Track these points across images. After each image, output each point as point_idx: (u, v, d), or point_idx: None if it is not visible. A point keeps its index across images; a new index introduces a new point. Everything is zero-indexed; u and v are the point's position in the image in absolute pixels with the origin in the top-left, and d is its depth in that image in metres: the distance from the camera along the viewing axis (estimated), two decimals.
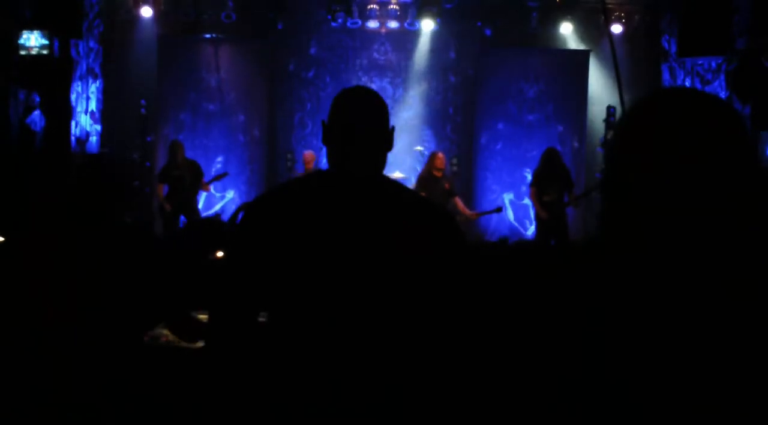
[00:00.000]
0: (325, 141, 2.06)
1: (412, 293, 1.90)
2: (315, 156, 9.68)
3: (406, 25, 10.50)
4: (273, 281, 1.92)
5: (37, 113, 7.80)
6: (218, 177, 9.44)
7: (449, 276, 1.94)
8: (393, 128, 2.07)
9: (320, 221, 1.93)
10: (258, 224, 1.99)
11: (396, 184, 2.08)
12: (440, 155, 8.81)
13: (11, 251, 2.11)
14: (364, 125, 2.02)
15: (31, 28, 6.59)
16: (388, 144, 2.06)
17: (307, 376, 1.88)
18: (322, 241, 1.90)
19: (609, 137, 1.69)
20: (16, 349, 1.88)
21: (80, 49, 9.03)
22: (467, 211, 9.01)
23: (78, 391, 2.37)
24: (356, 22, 10.48)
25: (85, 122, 9.52)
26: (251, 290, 1.96)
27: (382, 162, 2.05)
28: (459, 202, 8.90)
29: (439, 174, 8.68)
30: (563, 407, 1.12)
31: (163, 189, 9.29)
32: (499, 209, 9.41)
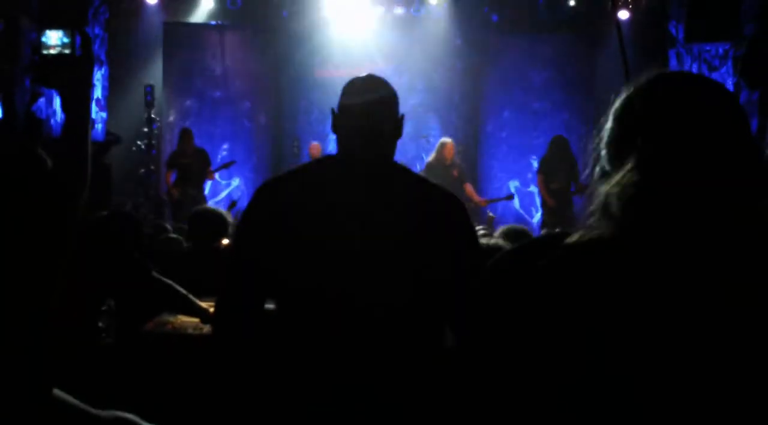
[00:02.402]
0: (335, 129, 2.05)
1: (420, 278, 1.90)
2: (321, 148, 9.67)
3: (411, 11, 10.46)
4: (280, 267, 1.92)
5: (42, 100, 7.80)
6: (225, 165, 9.46)
7: (457, 262, 1.93)
8: (403, 116, 2.07)
9: (328, 206, 1.92)
10: (266, 210, 1.99)
11: (405, 170, 2.07)
12: (449, 143, 8.78)
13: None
14: (374, 113, 2.00)
15: (38, 21, 6.60)
16: (398, 132, 2.05)
17: (314, 363, 1.88)
18: (330, 227, 1.89)
19: (608, 121, 1.67)
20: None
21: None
22: (477, 197, 9.00)
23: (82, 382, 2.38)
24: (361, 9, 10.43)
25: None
26: (259, 275, 1.96)
27: (391, 150, 2.05)
28: (469, 188, 8.88)
29: (447, 162, 8.67)
30: (565, 404, 1.11)
31: (171, 176, 9.31)
32: (511, 197, 9.41)
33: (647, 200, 1.12)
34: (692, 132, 1.13)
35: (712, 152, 1.12)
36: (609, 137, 1.23)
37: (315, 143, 9.74)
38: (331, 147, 10.20)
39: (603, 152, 1.24)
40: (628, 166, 1.15)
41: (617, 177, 1.16)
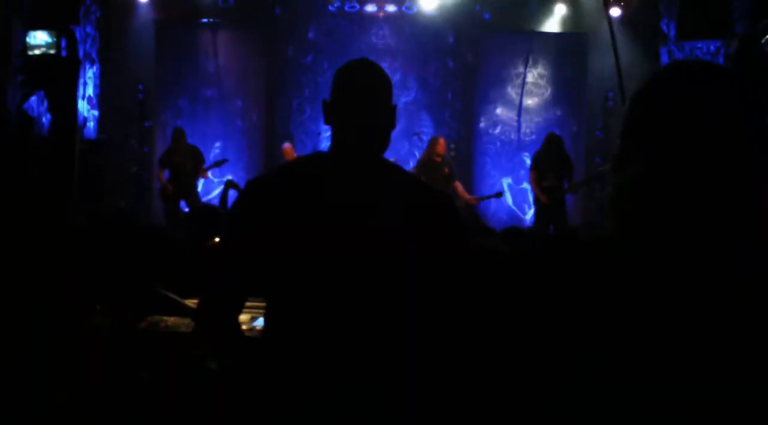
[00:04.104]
0: (328, 120, 2.00)
1: (410, 279, 1.88)
2: (293, 150, 9.67)
3: (404, 9, 10.46)
4: (270, 265, 1.90)
5: (34, 99, 7.76)
6: (217, 164, 9.43)
7: (447, 262, 1.92)
8: (395, 106, 2.02)
9: (318, 203, 1.89)
10: (255, 206, 1.96)
11: (396, 168, 2.04)
12: (441, 140, 8.80)
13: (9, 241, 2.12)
14: (368, 105, 1.96)
15: (30, 23, 6.59)
16: (391, 123, 2.00)
17: (305, 362, 1.88)
18: (319, 225, 1.87)
19: (623, 112, 1.66)
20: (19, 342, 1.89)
21: (77, 34, 8.98)
22: (467, 195, 9.01)
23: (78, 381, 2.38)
24: (354, 7, 10.43)
25: (82, 107, 9.48)
26: (245, 273, 1.93)
27: (385, 141, 2.00)
28: (459, 186, 8.90)
29: (439, 159, 8.67)
30: (563, 405, 1.11)
31: (164, 175, 9.29)
32: (500, 194, 9.43)
33: (655, 197, 1.11)
34: (704, 127, 1.11)
35: (724, 148, 1.10)
36: (623, 128, 1.21)
37: (287, 145, 9.70)
38: (325, 145, 10.18)
39: (617, 143, 1.21)
40: (639, 159, 1.14)
41: (627, 171, 1.15)
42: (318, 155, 2.11)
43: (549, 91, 10.84)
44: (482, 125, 10.94)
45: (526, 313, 1.18)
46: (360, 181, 1.94)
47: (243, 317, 3.51)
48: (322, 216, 1.88)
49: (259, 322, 3.41)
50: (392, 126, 2.01)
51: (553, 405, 1.12)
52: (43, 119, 7.89)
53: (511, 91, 10.87)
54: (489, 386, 1.18)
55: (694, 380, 1.05)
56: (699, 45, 8.58)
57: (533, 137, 10.36)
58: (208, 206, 4.60)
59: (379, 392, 1.86)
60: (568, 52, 10.73)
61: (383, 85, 2.00)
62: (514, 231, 4.01)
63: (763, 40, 6.62)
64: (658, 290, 1.08)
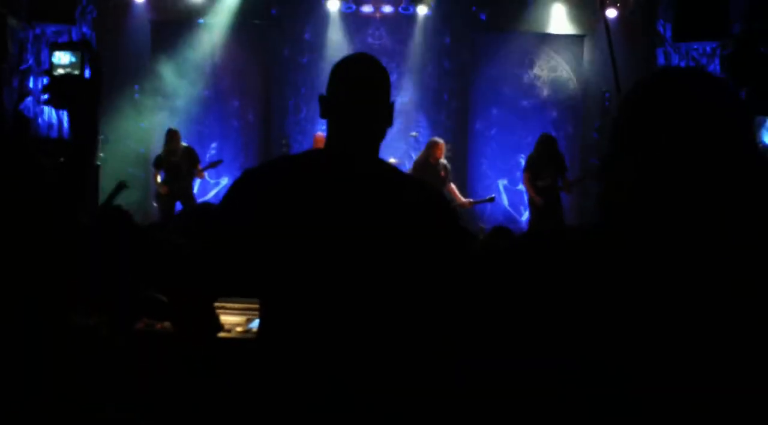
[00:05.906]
0: (324, 115, 1.98)
1: (406, 276, 1.88)
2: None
3: (400, 9, 10.46)
4: (261, 259, 1.88)
5: (30, 99, 7.76)
6: (213, 164, 9.42)
7: (444, 260, 1.91)
8: (393, 103, 2.00)
9: (311, 197, 1.87)
10: (248, 195, 1.92)
11: (392, 167, 2.03)
12: (440, 143, 8.78)
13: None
14: (365, 99, 1.94)
15: (27, 20, 6.59)
16: (388, 119, 1.99)
17: (301, 362, 1.87)
18: (311, 218, 1.85)
19: (612, 117, 1.67)
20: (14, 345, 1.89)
21: (73, 35, 8.97)
22: (461, 198, 9.01)
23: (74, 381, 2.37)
24: (351, 7, 10.43)
25: None
26: (232, 265, 1.91)
27: (380, 138, 1.98)
28: (453, 189, 8.90)
29: (435, 162, 8.68)
30: (561, 400, 1.12)
31: (159, 176, 9.28)
32: (492, 199, 9.41)
33: (644, 196, 1.13)
34: (693, 130, 1.13)
35: (713, 150, 1.12)
36: (613, 130, 1.23)
37: (320, 134, 9.64)
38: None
39: (607, 145, 1.24)
40: (629, 160, 1.16)
41: (618, 171, 1.17)
42: (314, 151, 2.10)
43: (545, 92, 10.85)
44: (478, 126, 10.95)
45: (521, 306, 1.19)
46: (354, 176, 1.92)
47: (239, 319, 3.51)
48: (314, 210, 1.86)
49: (255, 324, 3.40)
50: (389, 123, 1.99)
51: (548, 397, 1.13)
52: (39, 120, 7.89)
53: (508, 92, 10.87)
54: (487, 383, 1.18)
55: (678, 370, 1.06)
56: (695, 46, 8.60)
57: (529, 138, 10.36)
58: (202, 205, 4.58)
59: (376, 389, 1.85)
60: (565, 53, 10.75)
61: (381, 80, 1.98)
62: (502, 231, 4.01)
63: (758, 41, 6.64)
64: (647, 283, 1.10)
